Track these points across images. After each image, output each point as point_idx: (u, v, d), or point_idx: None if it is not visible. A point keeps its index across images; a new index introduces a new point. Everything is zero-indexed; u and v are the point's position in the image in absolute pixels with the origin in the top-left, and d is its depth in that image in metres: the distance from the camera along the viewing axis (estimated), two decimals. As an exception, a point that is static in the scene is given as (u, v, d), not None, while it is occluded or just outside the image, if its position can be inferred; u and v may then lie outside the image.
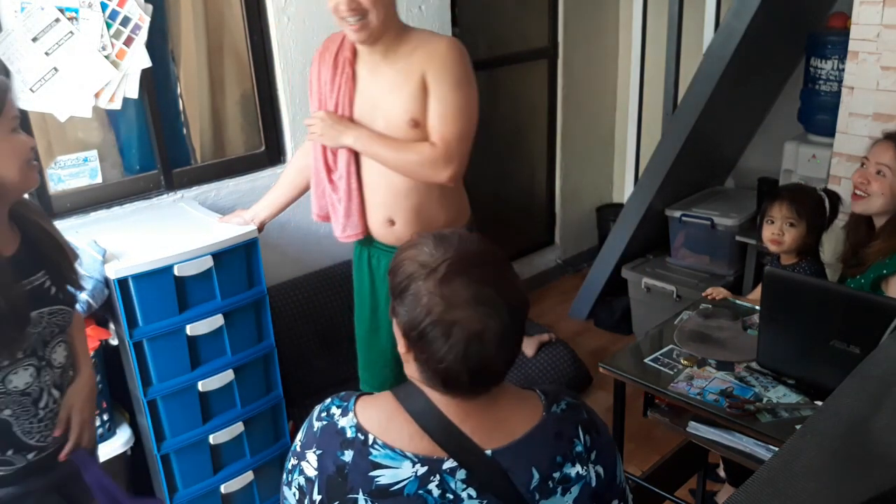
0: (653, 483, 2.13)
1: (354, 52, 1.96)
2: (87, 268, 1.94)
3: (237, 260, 2.17)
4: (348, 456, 1.03)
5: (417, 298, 0.98)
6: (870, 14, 2.36)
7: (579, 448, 1.05)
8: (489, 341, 0.97)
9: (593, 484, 1.04)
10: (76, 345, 1.54)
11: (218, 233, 2.15)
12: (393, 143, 1.93)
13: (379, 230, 2.05)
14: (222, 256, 2.12)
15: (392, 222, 2.02)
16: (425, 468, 1.01)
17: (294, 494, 1.09)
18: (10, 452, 1.37)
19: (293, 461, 1.10)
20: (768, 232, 2.14)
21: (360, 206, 2.04)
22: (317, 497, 1.04)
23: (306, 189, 2.24)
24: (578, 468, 1.04)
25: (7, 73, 2.14)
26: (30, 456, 1.39)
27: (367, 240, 2.10)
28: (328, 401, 1.12)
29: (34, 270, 1.38)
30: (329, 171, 2.05)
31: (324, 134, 1.97)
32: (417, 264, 1.01)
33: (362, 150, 1.96)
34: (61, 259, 1.44)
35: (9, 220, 1.37)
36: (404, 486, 1.00)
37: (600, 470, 1.06)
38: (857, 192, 2.01)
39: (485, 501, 1.00)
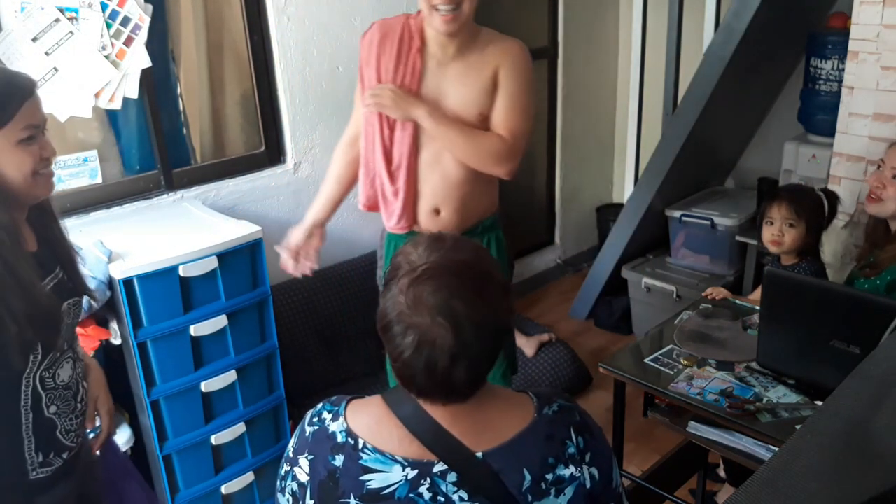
0: (653, 483, 2.13)
1: (423, 42, 1.94)
2: (92, 268, 1.95)
3: (242, 261, 2.17)
4: (339, 461, 1.03)
5: (392, 293, 0.99)
6: (870, 14, 2.36)
7: (572, 450, 1.04)
8: (441, 353, 0.95)
9: (588, 485, 1.04)
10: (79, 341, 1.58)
11: (222, 233, 2.15)
12: (464, 125, 1.93)
13: (425, 220, 2.04)
14: (227, 257, 2.12)
15: (438, 212, 2.02)
16: (415, 472, 1.01)
17: (288, 500, 1.09)
18: (52, 455, 1.38)
19: (286, 467, 1.10)
20: (768, 233, 2.14)
21: (416, 196, 2.02)
22: (310, 502, 1.05)
23: (355, 182, 2.18)
24: (572, 469, 1.03)
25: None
26: (65, 455, 1.41)
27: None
28: (319, 406, 1.12)
29: (53, 266, 1.40)
30: (389, 162, 2.00)
31: (395, 104, 1.90)
32: (407, 261, 1.02)
33: (433, 125, 1.91)
34: (71, 258, 1.46)
35: (25, 221, 1.39)
36: (395, 490, 1.00)
37: (595, 472, 1.05)
38: (873, 194, 2.01)
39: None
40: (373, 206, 2.11)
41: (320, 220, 2.18)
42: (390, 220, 2.06)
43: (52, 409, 1.36)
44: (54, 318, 1.33)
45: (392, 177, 2.01)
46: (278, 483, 1.12)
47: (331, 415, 1.09)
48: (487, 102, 1.94)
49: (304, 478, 1.06)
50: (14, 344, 1.24)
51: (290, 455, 1.10)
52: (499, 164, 1.95)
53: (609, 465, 1.08)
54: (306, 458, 1.07)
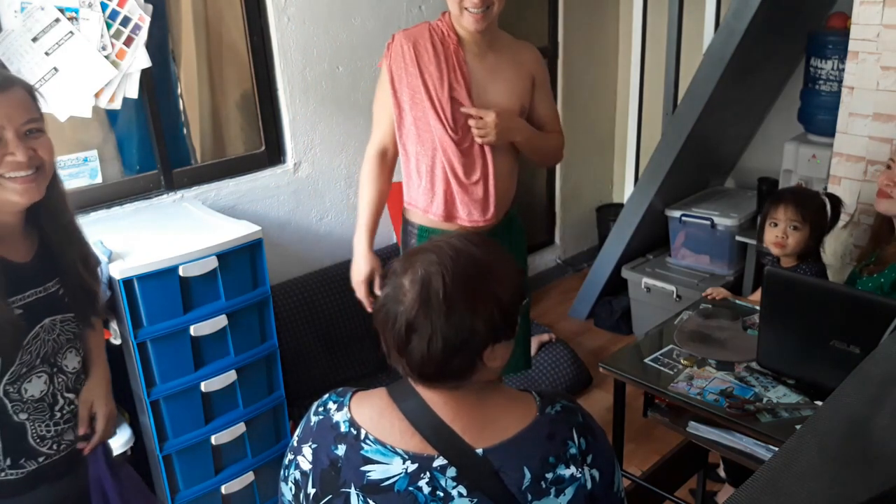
0: (653, 483, 2.13)
1: (458, 41, 1.98)
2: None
3: (242, 261, 2.17)
4: (341, 450, 1.05)
5: (406, 254, 1.06)
6: (870, 14, 2.36)
7: (573, 450, 1.04)
8: (400, 315, 0.99)
9: (588, 487, 1.04)
10: (92, 348, 1.52)
11: (222, 233, 2.15)
12: (540, 134, 2.13)
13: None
14: (227, 257, 2.12)
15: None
16: (415, 465, 1.01)
17: (290, 489, 1.10)
18: (22, 460, 1.35)
19: (290, 456, 1.11)
20: (771, 235, 2.12)
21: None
22: (311, 490, 1.06)
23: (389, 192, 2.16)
24: (573, 470, 1.03)
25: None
26: (40, 460, 1.38)
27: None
28: (326, 396, 1.14)
29: (49, 277, 1.36)
30: (471, 166, 2.01)
31: (500, 135, 1.96)
32: (438, 237, 1.07)
33: (526, 141, 2.06)
34: (70, 271, 1.40)
35: (25, 226, 1.34)
36: (395, 482, 1.01)
37: (596, 474, 1.05)
38: (883, 191, 2.01)
39: (475, 500, 1.00)
40: (450, 212, 2.07)
41: (371, 245, 2.09)
42: (469, 218, 2.06)
43: (23, 415, 1.32)
44: (11, 335, 1.27)
45: (482, 182, 2.03)
46: (282, 472, 1.13)
47: (336, 405, 1.10)
48: (527, 99, 2.09)
49: (306, 466, 1.07)
50: None
51: (295, 444, 1.11)
52: (560, 158, 2.27)
53: (611, 469, 1.08)
54: (310, 446, 1.08)
